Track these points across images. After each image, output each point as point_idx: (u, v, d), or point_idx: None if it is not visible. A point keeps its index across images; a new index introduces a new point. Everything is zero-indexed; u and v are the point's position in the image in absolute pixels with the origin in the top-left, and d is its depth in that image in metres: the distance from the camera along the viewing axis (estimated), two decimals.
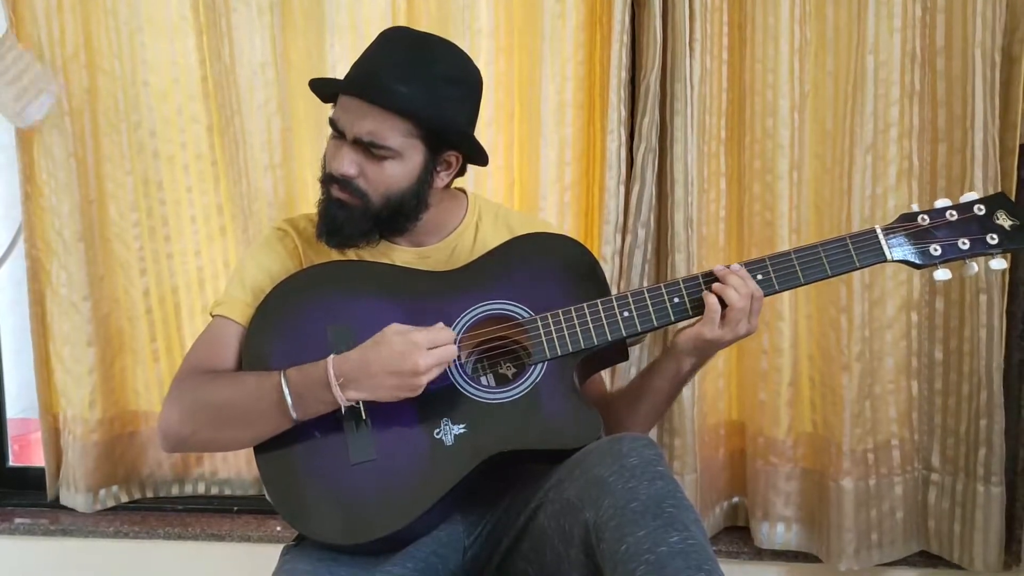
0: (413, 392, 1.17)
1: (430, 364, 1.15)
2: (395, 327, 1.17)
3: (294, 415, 1.18)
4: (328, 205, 1.29)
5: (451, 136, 1.29)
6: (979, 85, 1.63)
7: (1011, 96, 1.69)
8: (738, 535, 1.91)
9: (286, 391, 1.17)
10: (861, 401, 1.74)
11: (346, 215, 1.27)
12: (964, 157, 1.67)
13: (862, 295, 1.71)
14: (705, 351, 1.26)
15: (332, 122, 1.27)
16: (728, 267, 1.23)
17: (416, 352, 1.15)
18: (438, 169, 1.31)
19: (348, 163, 1.25)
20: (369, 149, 1.24)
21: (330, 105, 1.33)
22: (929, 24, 1.69)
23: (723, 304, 1.21)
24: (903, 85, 1.69)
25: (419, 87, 1.23)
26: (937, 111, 1.71)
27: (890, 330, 1.75)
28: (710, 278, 1.23)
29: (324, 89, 1.31)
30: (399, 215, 1.30)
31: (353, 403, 1.17)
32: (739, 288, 1.20)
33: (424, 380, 1.16)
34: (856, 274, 1.70)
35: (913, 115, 1.71)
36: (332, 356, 1.18)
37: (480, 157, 1.33)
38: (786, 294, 1.76)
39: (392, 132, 1.23)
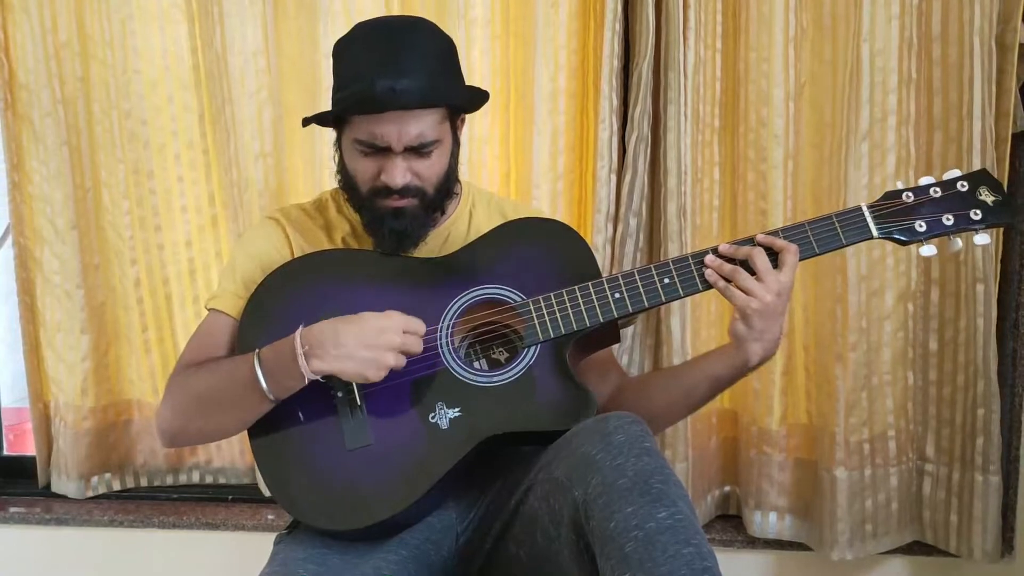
0: (376, 372, 1.16)
1: (403, 346, 1.17)
2: (370, 312, 1.19)
3: (269, 395, 1.18)
4: (382, 220, 1.28)
5: (468, 103, 1.33)
6: (978, 73, 1.63)
7: (1005, 85, 1.68)
8: (730, 523, 1.92)
9: (258, 369, 1.18)
10: (857, 391, 1.74)
11: (406, 221, 1.28)
12: (959, 146, 1.67)
13: (858, 285, 1.71)
14: (764, 326, 1.19)
15: (370, 142, 1.24)
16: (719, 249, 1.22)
17: (392, 331, 1.17)
18: (458, 134, 1.34)
19: (403, 173, 1.25)
20: (418, 150, 1.25)
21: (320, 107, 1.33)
22: (925, 11, 1.69)
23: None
24: (900, 73, 1.68)
25: (436, 73, 1.25)
26: (933, 99, 1.71)
27: (888, 321, 1.74)
28: (699, 259, 1.23)
29: (366, 111, 1.24)
30: (446, 194, 1.32)
31: (318, 377, 1.17)
32: (725, 265, 1.21)
33: (392, 361, 1.16)
34: (852, 263, 1.69)
35: (910, 103, 1.70)
36: (300, 327, 1.18)
37: (483, 101, 1.35)
38: None
39: (432, 126, 1.24)
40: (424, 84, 1.22)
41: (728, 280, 1.21)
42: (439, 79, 1.25)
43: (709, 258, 1.22)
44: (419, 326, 1.20)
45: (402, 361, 1.18)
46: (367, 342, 1.16)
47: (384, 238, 1.29)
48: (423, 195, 1.28)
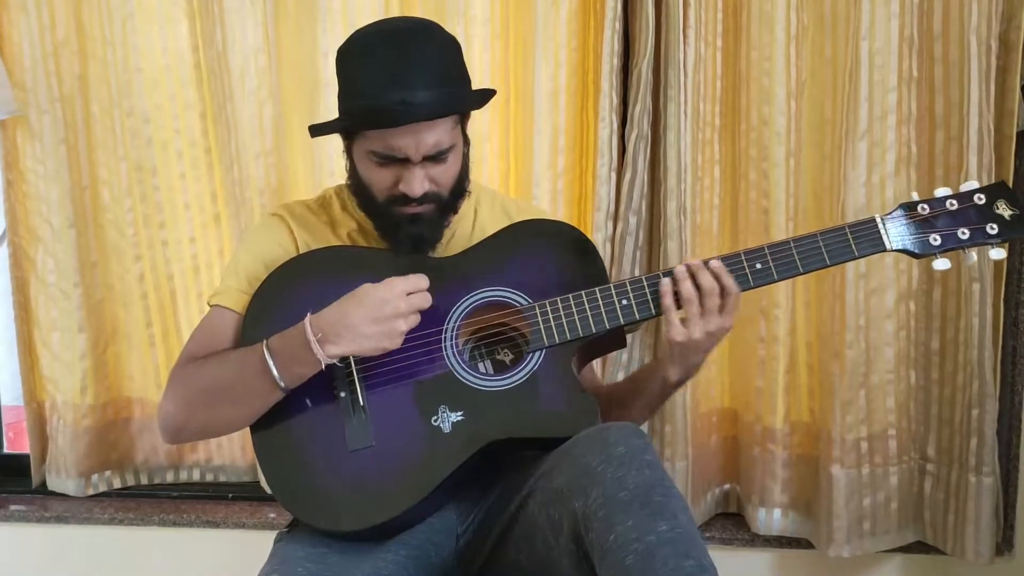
0: (392, 341, 1.17)
1: (410, 308, 1.17)
2: (369, 284, 1.19)
3: (280, 383, 1.18)
4: (399, 226, 1.27)
5: (477, 104, 1.33)
6: (975, 72, 1.62)
7: (1008, 84, 1.68)
8: (730, 522, 1.92)
9: (268, 358, 1.17)
10: (855, 390, 1.74)
11: (423, 226, 1.28)
12: (961, 144, 1.66)
13: (855, 283, 1.71)
14: (685, 355, 1.24)
15: (387, 154, 1.23)
16: (689, 264, 1.22)
17: (397, 299, 1.17)
18: (466, 133, 1.33)
19: (422, 182, 1.24)
20: (435, 158, 1.24)
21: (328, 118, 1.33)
22: (927, 10, 1.68)
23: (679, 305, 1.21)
24: (900, 72, 1.68)
25: (447, 80, 1.23)
26: (934, 98, 1.70)
27: (889, 320, 1.74)
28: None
29: (382, 125, 1.22)
30: (460, 195, 1.32)
31: (335, 361, 1.17)
32: (691, 287, 1.21)
33: (404, 326, 1.17)
34: (850, 262, 1.69)
35: (911, 102, 1.70)
36: (309, 314, 1.18)
37: (491, 98, 1.35)
38: (783, 282, 1.76)
39: (447, 132, 1.24)
40: (438, 94, 1.21)
41: (681, 301, 1.21)
42: (451, 87, 1.24)
43: (679, 269, 1.21)
44: (420, 281, 1.20)
45: (412, 320, 1.18)
46: (374, 316, 1.16)
47: (401, 243, 1.28)
48: (439, 199, 1.28)
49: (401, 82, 1.19)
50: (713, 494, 1.93)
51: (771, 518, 1.86)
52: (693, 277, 1.21)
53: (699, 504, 1.89)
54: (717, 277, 1.21)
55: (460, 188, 1.31)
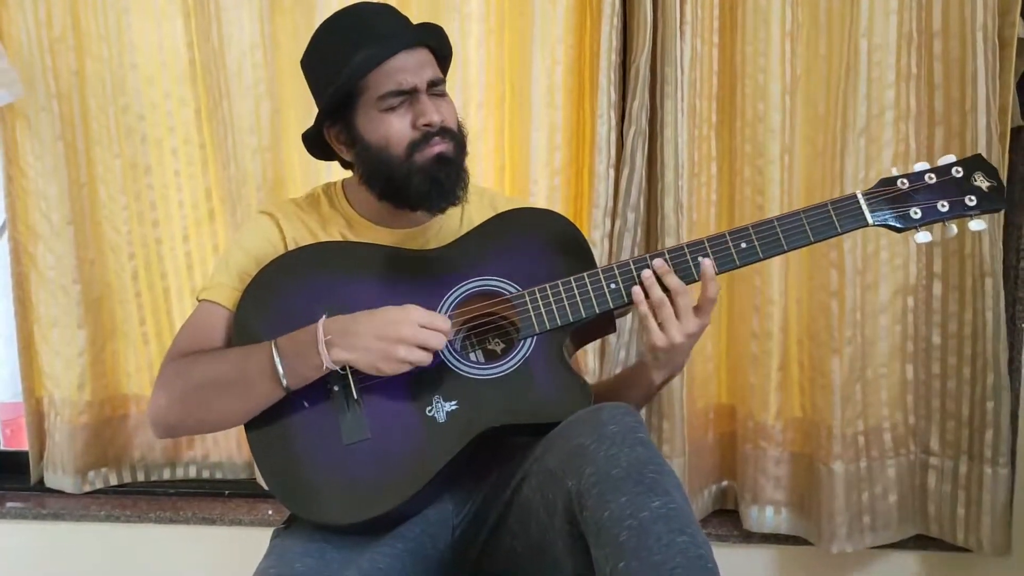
0: (389, 365, 1.16)
1: (416, 339, 1.16)
2: (392, 306, 1.19)
3: (284, 382, 1.18)
4: (428, 172, 1.26)
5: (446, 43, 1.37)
6: (981, 69, 1.62)
7: (1002, 80, 1.67)
8: (728, 518, 1.91)
9: (276, 358, 1.18)
10: (852, 385, 1.74)
11: (451, 167, 1.28)
12: (963, 140, 1.66)
13: (854, 280, 1.71)
14: (670, 359, 1.25)
15: (397, 90, 1.25)
16: (654, 268, 1.22)
17: (405, 324, 1.16)
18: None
19: (436, 109, 1.27)
20: (436, 91, 1.29)
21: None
22: (925, 7, 1.68)
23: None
24: (899, 68, 1.68)
25: (427, 26, 1.32)
26: (934, 94, 1.70)
27: (884, 315, 1.74)
28: (695, 248, 1.23)
29: (384, 55, 1.25)
30: (464, 136, 1.32)
31: (338, 368, 1.18)
32: (659, 292, 1.20)
33: (402, 354, 1.15)
34: (848, 259, 1.69)
35: (909, 98, 1.70)
36: (324, 317, 1.19)
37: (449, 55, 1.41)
38: (776, 278, 1.76)
39: (434, 65, 1.31)
40: (410, 24, 1.30)
41: (652, 306, 1.21)
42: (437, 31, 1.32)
43: (646, 274, 1.21)
44: (440, 322, 1.19)
45: (417, 355, 1.17)
46: (379, 333, 1.16)
47: (434, 190, 1.27)
48: (456, 138, 1.30)
49: (378, 28, 1.27)
50: (710, 491, 1.93)
51: (763, 516, 1.85)
52: (659, 280, 1.21)
53: (697, 501, 1.88)
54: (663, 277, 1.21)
55: (462, 130, 1.33)
